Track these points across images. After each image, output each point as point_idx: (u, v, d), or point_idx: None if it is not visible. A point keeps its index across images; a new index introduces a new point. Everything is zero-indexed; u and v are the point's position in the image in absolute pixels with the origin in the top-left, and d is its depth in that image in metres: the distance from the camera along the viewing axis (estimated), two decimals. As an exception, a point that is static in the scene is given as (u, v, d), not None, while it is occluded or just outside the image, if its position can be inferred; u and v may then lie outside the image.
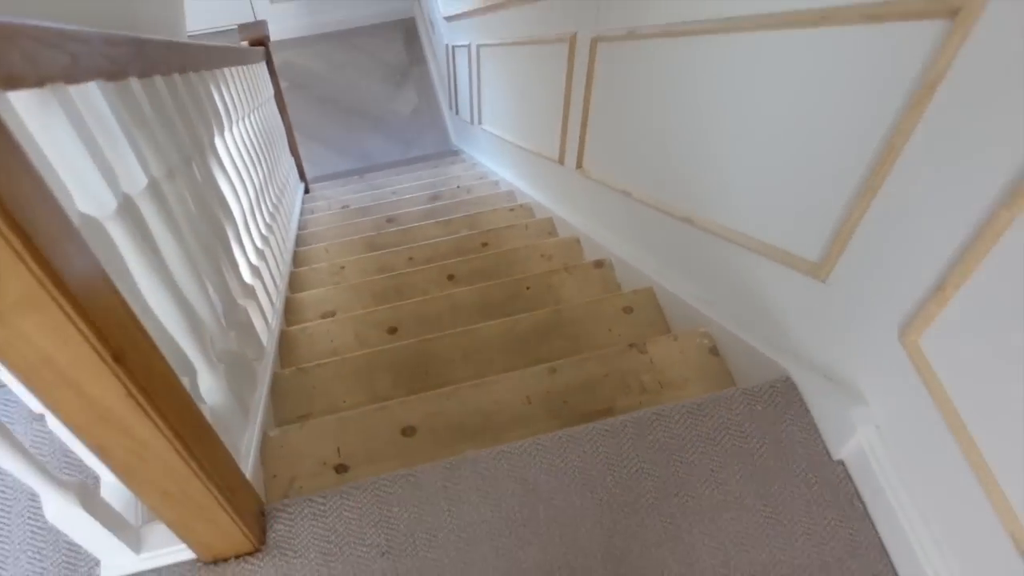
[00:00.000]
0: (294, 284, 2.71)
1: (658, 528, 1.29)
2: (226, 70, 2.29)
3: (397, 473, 1.33)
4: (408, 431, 1.58)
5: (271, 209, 2.68)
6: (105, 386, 0.79)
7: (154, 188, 1.19)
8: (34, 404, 1.38)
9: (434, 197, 3.85)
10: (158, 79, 1.35)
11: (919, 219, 1.06)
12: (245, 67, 2.79)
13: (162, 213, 1.22)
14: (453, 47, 4.64)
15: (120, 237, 1.03)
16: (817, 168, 1.26)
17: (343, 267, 2.82)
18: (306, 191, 4.51)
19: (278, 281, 2.37)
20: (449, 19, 4.49)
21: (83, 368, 0.75)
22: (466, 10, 3.88)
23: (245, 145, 2.33)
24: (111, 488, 1.24)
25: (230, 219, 1.80)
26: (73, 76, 0.90)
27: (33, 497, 1.29)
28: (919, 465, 1.19)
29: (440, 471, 1.33)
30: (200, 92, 1.76)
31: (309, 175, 4.68)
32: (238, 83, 2.49)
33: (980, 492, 1.06)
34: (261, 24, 3.65)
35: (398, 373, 1.87)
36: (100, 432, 0.85)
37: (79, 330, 0.71)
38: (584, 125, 2.43)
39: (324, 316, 2.37)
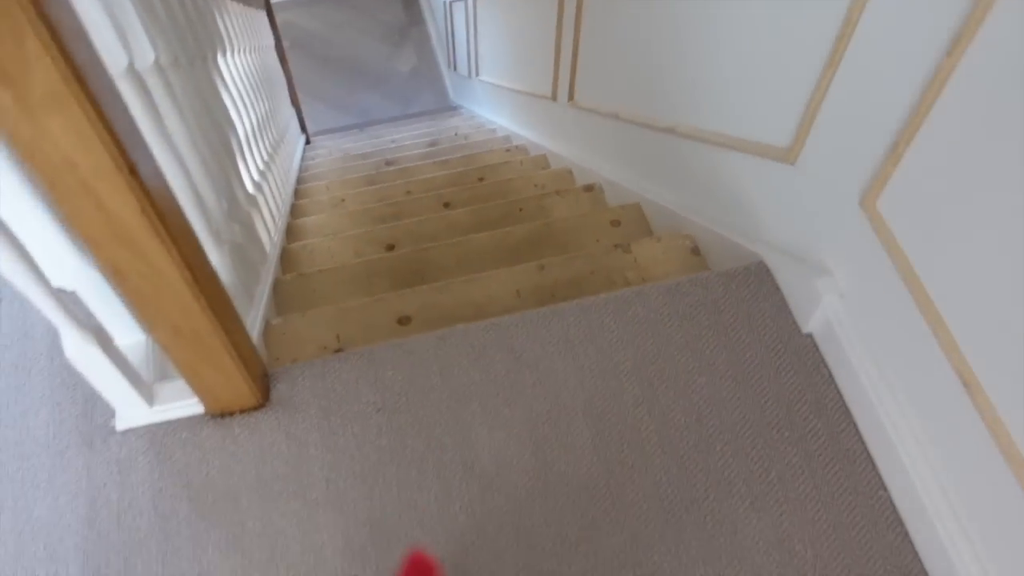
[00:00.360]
0: (295, 213, 2.80)
1: (635, 391, 1.38)
2: (228, 2, 2.36)
3: (391, 342, 1.42)
4: (404, 320, 1.67)
5: (272, 143, 2.76)
6: (122, 200, 0.87)
7: (159, 69, 1.27)
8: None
9: (432, 143, 3.93)
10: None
11: (874, 86, 1.14)
12: (245, 6, 2.87)
13: (168, 93, 1.30)
14: (451, 3, 4.70)
15: (128, 95, 1.11)
16: (786, 54, 1.34)
17: (343, 199, 2.90)
18: (307, 143, 4.59)
19: (280, 205, 2.46)
20: (447, -27, 4.55)
21: (103, 178, 0.84)
22: (463, -40, 3.94)
23: (245, 77, 2.41)
24: (126, 348, 1.33)
25: (233, 133, 1.88)
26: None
27: (51, 355, 1.38)
28: (879, 325, 1.28)
29: (432, 340, 1.42)
30: (203, 7, 1.83)
31: (310, 130, 4.76)
32: (237, 18, 2.56)
33: (935, 344, 1.14)
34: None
35: (394, 278, 1.96)
36: (116, 251, 0.93)
37: (100, 138, 0.80)
38: (575, 56, 2.50)
39: (324, 237, 2.45)
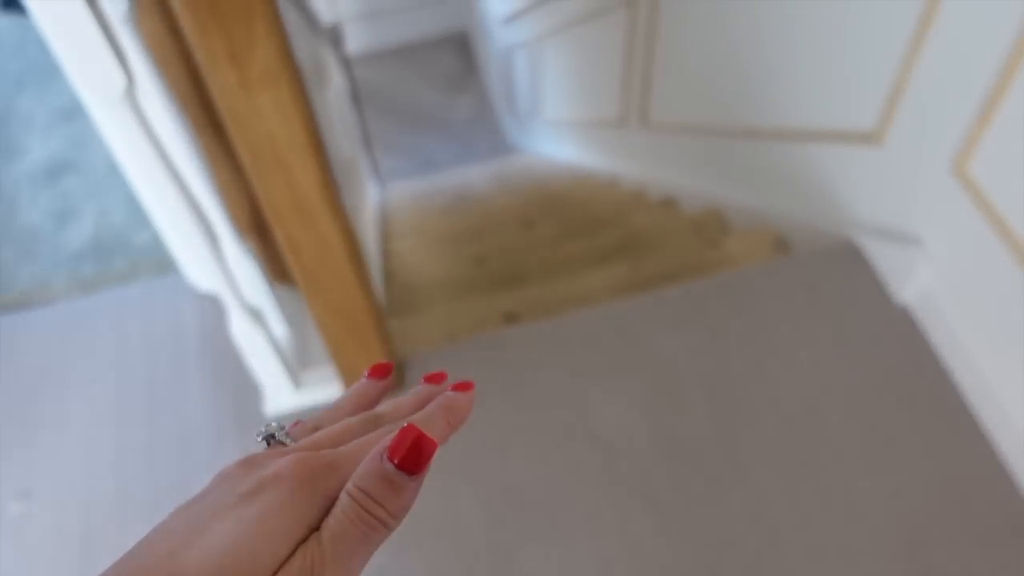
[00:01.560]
0: (383, 242, 2.94)
1: (742, 364, 1.46)
2: (322, 44, 2.55)
3: (511, 328, 1.53)
4: (510, 317, 1.78)
5: (356, 182, 2.93)
6: (309, 173, 1.00)
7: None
8: (200, 279, 1.62)
9: (500, 178, 4.08)
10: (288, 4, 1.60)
11: (960, 56, 1.23)
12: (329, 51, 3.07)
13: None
14: (511, 48, 4.90)
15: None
16: (867, 40, 1.44)
17: (425, 230, 3.05)
18: (379, 187, 4.78)
19: (370, 226, 2.60)
20: (506, 22, 4.75)
21: (296, 151, 0.97)
22: (523, 7, 4.12)
23: (338, 109, 2.58)
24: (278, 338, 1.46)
25: (338, 152, 2.03)
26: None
27: (203, 352, 1.52)
28: (977, 288, 1.35)
29: (549, 326, 1.52)
30: (317, 47, 2.01)
31: (380, 175, 4.96)
32: (327, 58, 2.75)
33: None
34: (338, 26, 3.96)
35: (494, 284, 2.08)
36: (295, 224, 1.06)
37: (299, 114, 0.93)
38: (647, 78, 2.63)
39: (417, 257, 2.59)
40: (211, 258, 1.16)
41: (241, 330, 1.26)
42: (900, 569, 1.24)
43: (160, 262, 1.73)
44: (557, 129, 4.20)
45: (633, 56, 2.69)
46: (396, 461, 0.29)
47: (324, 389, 1.43)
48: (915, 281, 1.46)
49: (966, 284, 1.37)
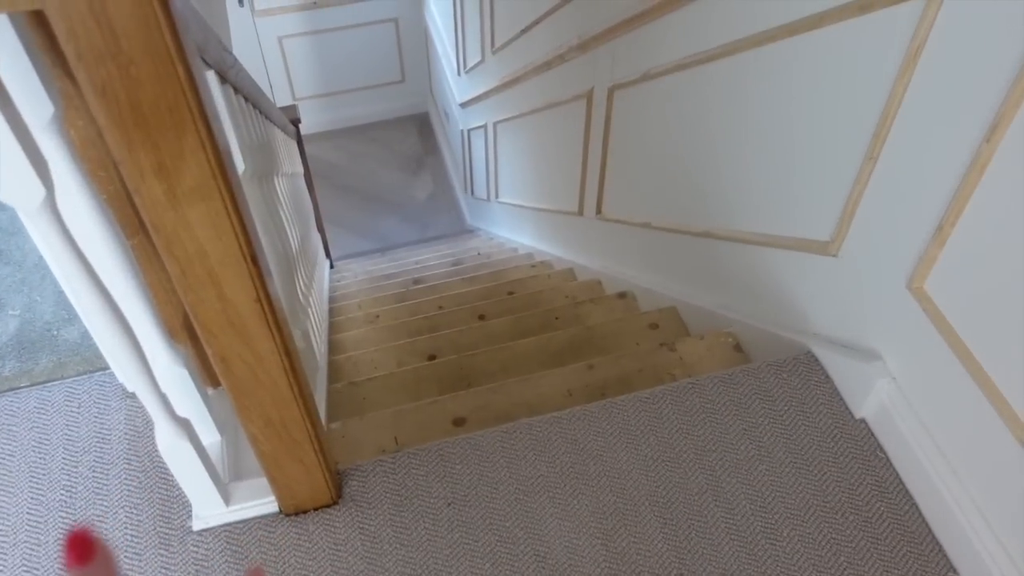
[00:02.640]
0: (332, 330, 2.86)
1: (699, 479, 1.40)
2: (276, 130, 2.51)
3: (458, 437, 1.45)
4: (459, 421, 1.71)
5: (310, 261, 2.86)
6: (240, 287, 0.94)
7: (247, 181, 1.37)
8: (127, 383, 1.52)
9: (456, 263, 4.05)
10: (242, 99, 1.56)
11: (915, 174, 1.23)
12: (285, 135, 3.03)
13: (252, 202, 1.39)
14: (469, 131, 4.93)
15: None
16: (823, 152, 1.44)
17: (377, 315, 2.98)
18: (331, 267, 4.71)
19: (320, 320, 2.53)
20: (464, 105, 4.79)
21: (228, 265, 0.91)
22: (482, 92, 4.16)
23: (289, 197, 2.53)
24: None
25: (287, 245, 1.97)
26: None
27: (128, 458, 1.41)
28: (936, 405, 1.32)
29: (498, 435, 1.46)
30: (266, 133, 1.96)
31: (333, 255, 4.90)
32: (283, 145, 2.71)
33: (996, 417, 1.18)
34: (293, 107, 3.94)
35: (442, 384, 2.01)
36: (227, 340, 1.00)
37: (232, 225, 0.87)
38: (603, 170, 2.63)
39: (365, 350, 2.51)
40: (137, 367, 1.08)
41: (167, 443, 1.17)
42: None
43: (88, 359, 1.63)
44: (514, 213, 4.20)
45: (588, 150, 2.70)
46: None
47: (258, 501, 1.34)
48: (873, 396, 1.43)
49: (925, 402, 1.34)
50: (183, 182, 0.81)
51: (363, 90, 6.35)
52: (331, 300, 3.49)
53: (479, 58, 4.19)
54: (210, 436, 1.38)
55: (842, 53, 1.32)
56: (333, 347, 2.57)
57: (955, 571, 1.29)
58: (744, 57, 1.61)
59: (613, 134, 2.48)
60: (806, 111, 1.46)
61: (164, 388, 1.18)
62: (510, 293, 3.05)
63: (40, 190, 0.81)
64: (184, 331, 1.33)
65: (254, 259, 0.93)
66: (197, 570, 1.29)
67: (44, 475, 1.43)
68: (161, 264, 1.15)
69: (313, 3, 5.68)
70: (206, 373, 1.40)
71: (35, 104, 0.81)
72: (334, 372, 2.26)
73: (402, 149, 6.33)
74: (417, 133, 6.46)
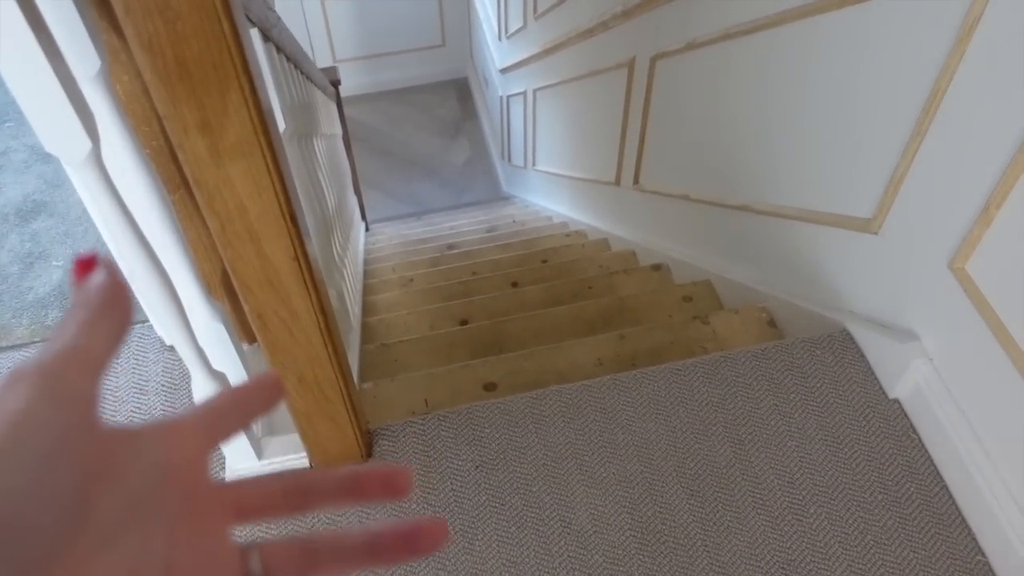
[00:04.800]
0: (366, 292, 2.89)
1: (728, 452, 1.40)
2: (316, 91, 2.52)
3: (488, 401, 1.47)
4: (489, 386, 1.72)
5: (346, 222, 2.88)
6: (279, 245, 0.95)
7: (288, 139, 1.38)
8: (166, 336, 1.55)
9: (491, 229, 4.05)
10: (284, 58, 1.56)
11: (963, 153, 1.20)
12: (325, 97, 3.04)
13: (293, 161, 1.40)
14: (508, 97, 4.90)
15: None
16: (870, 127, 1.41)
17: (411, 279, 3.00)
18: (366, 230, 4.74)
19: (355, 281, 2.55)
20: (504, 71, 4.76)
21: (267, 222, 0.92)
22: (523, 58, 4.13)
23: (327, 159, 2.55)
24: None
25: (325, 205, 1.99)
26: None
27: (165, 410, 1.45)
28: (972, 387, 1.30)
29: (527, 400, 1.46)
30: (308, 94, 1.97)
31: (368, 218, 4.92)
32: (323, 107, 2.72)
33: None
34: (334, 69, 3.94)
35: (474, 349, 2.02)
36: (264, 296, 1.01)
37: (272, 182, 0.88)
38: (642, 142, 2.61)
39: (399, 312, 2.53)
40: (176, 321, 1.10)
41: (204, 395, 1.20)
42: None
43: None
44: (551, 181, 4.18)
45: (628, 119, 2.67)
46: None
47: (290, 456, 1.36)
48: (909, 376, 1.41)
49: (961, 385, 1.32)
50: (226, 138, 0.82)
51: (404, 53, 6.33)
52: (366, 263, 3.52)
53: (521, 23, 4.15)
54: (245, 391, 1.40)
55: (895, 25, 1.29)
56: (367, 309, 2.59)
57: (983, 554, 1.29)
58: (792, 28, 1.58)
59: (654, 104, 2.45)
60: (854, 85, 1.43)
61: (202, 342, 1.20)
62: (544, 261, 3.05)
63: (86, 143, 0.83)
64: (222, 287, 1.35)
65: (293, 218, 0.94)
66: (230, 520, 1.32)
67: (85, 423, 1.47)
68: (201, 220, 1.16)
69: (356, -36, 5.66)
70: (242, 329, 1.42)
71: (82, 57, 0.82)
72: (367, 333, 2.28)
73: (440, 114, 6.31)
74: (456, 98, 6.43)
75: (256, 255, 0.95)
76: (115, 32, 0.93)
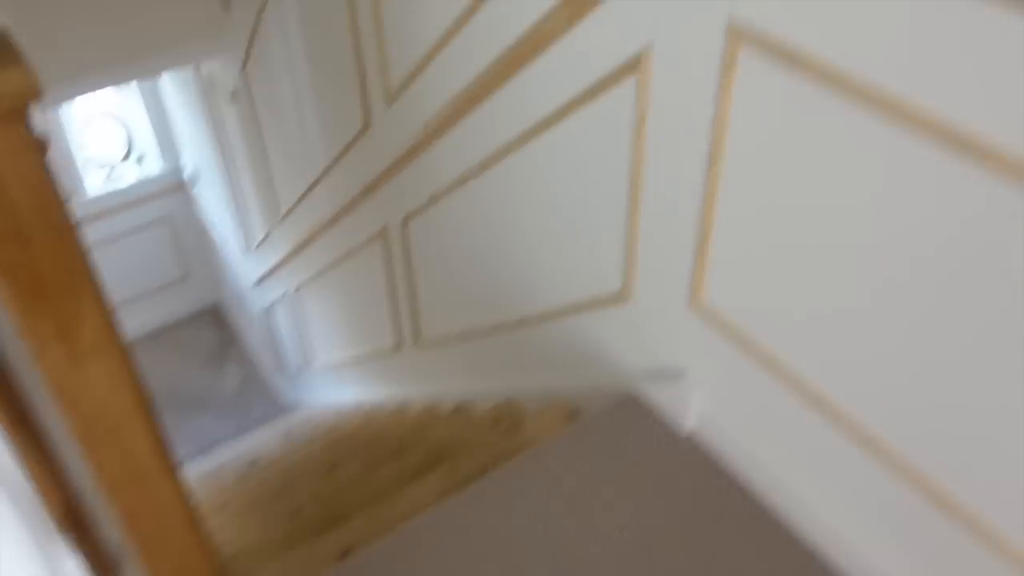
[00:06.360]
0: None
1: (576, 525, 1.56)
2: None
3: (349, 561, 1.52)
4: (346, 552, 1.77)
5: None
6: (142, 437, 1.02)
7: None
8: None
9: (287, 435, 4.03)
10: None
11: (670, 209, 1.50)
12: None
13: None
14: (268, 308, 4.98)
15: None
16: (597, 217, 1.72)
17: (224, 504, 2.93)
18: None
19: None
20: (260, 282, 4.85)
21: (128, 417, 0.99)
22: (276, 262, 4.25)
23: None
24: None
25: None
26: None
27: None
28: (742, 397, 1.56)
29: (387, 546, 1.55)
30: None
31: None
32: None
33: (792, 398, 1.43)
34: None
35: (316, 532, 2.04)
36: (133, 491, 1.06)
37: (128, 380, 0.97)
38: (413, 300, 2.83)
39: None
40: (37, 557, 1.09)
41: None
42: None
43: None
44: (333, 373, 4.27)
45: (395, 283, 2.90)
46: None
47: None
48: (691, 409, 1.65)
49: (731, 400, 1.58)
50: (83, 341, 0.90)
51: (146, 295, 6.21)
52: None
53: (265, 230, 4.30)
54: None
55: (590, 131, 1.62)
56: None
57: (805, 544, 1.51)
58: (513, 157, 1.89)
59: (415, 260, 2.70)
60: (574, 186, 1.74)
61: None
62: (352, 441, 3.11)
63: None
64: (69, 523, 1.33)
65: (149, 409, 1.01)
66: None
67: None
68: (39, 456, 1.19)
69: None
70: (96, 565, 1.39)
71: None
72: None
73: (201, 345, 6.22)
74: (213, 325, 6.39)
75: (121, 452, 1.01)
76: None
